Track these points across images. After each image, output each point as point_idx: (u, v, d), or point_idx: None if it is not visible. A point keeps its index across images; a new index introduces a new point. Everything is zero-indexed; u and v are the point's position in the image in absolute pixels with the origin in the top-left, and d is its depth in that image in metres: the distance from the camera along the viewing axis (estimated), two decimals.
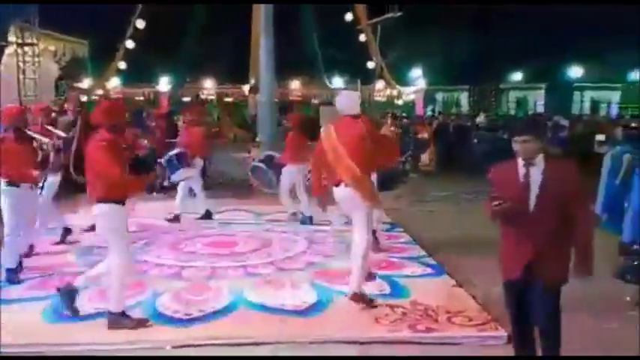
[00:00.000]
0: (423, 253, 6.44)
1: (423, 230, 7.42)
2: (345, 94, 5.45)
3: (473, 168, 14.05)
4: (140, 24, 20.87)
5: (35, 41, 15.21)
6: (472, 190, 11.04)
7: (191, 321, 4.47)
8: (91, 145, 4.33)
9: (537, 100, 28.80)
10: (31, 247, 6.20)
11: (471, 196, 10.42)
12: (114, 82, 22.41)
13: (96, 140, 4.29)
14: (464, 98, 28.66)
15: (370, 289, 5.14)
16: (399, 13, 17.65)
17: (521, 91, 29.67)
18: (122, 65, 21.81)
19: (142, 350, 4.00)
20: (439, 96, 28.41)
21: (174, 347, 4.05)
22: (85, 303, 4.71)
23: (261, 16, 17.65)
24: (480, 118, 19.65)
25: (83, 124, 6.59)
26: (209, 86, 22.89)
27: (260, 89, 18.39)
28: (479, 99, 27.51)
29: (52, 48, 17.71)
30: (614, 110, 26.92)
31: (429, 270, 5.84)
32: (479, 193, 10.60)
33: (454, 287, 5.31)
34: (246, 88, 22.36)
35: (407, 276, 5.60)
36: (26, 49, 14.65)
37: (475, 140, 15.72)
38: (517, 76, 29.71)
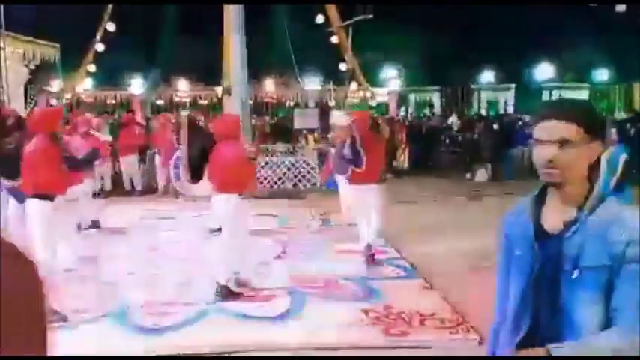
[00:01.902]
0: (396, 254, 6.49)
1: (396, 232, 7.48)
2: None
3: (444, 169, 14.29)
4: (111, 26, 20.55)
5: (2, 45, 14.87)
6: (444, 190, 11.22)
7: (161, 330, 4.43)
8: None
9: (507, 100, 29.23)
10: None
11: (442, 196, 10.57)
12: (86, 85, 22.02)
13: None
14: (436, 99, 28.93)
15: (344, 293, 5.18)
16: (370, 16, 17.72)
17: (492, 91, 30.08)
18: (92, 68, 21.43)
19: None
20: (412, 97, 28.61)
21: (145, 358, 4.01)
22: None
23: (232, 16, 17.57)
24: (452, 119, 19.89)
25: None
26: (183, 88, 22.66)
27: (233, 90, 18.33)
28: (450, 100, 27.84)
29: (20, 51, 17.33)
30: None
31: (401, 272, 5.89)
32: (450, 194, 10.82)
33: (426, 289, 5.37)
34: (219, 89, 22.18)
35: (379, 279, 5.64)
36: None
37: (447, 141, 15.91)
38: (488, 77, 30.13)
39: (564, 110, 1.54)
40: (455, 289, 5.24)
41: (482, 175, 12.81)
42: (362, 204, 6.16)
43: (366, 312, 4.73)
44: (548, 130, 1.52)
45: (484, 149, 13.04)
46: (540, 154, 1.52)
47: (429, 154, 15.09)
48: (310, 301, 5.01)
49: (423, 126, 16.45)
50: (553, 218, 1.56)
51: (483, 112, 26.13)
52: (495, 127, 14.76)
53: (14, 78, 16.18)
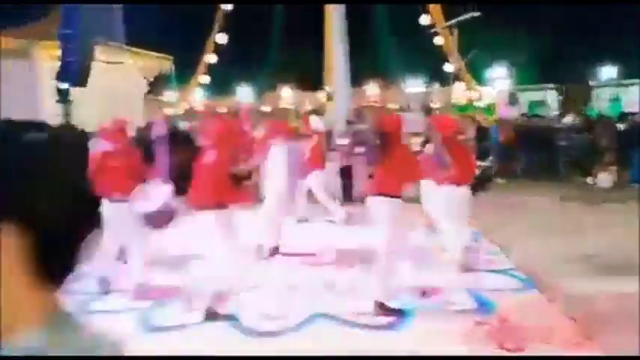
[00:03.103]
0: (511, 265, 6.12)
1: (509, 239, 7.08)
2: None
3: (560, 172, 13.38)
4: (221, 38, 21.63)
5: (123, 59, 16.05)
6: (560, 195, 10.49)
7: (272, 334, 4.47)
8: None
9: (632, 98, 26.89)
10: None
11: (559, 202, 9.90)
12: (198, 96, 23.28)
13: None
14: (551, 98, 27.28)
15: (455, 302, 4.97)
16: (477, 13, 17.10)
17: (615, 88, 27.84)
18: (204, 79, 22.65)
19: None
20: (524, 96, 27.18)
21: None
22: (170, 314, 4.85)
23: (334, 22, 17.71)
24: (569, 119, 18.63)
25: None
26: (287, 95, 23.24)
27: (336, 96, 18.47)
28: (566, 98, 26.11)
29: (139, 64, 18.63)
30: None
31: (517, 284, 5.53)
32: (567, 199, 10.09)
33: (545, 303, 5.00)
34: (322, 95, 22.50)
35: (493, 290, 5.33)
36: (115, 66, 15.48)
37: (563, 143, 14.90)
38: (609, 73, 27.93)
39: None
40: (575, 303, 4.85)
41: (604, 179, 11.86)
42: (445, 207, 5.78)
43: (478, 324, 4.48)
44: None
45: (606, 151, 12.07)
46: None
47: (544, 157, 14.23)
48: (418, 310, 4.84)
49: (537, 127, 15.52)
50: None
51: (604, 111, 24.25)
52: (619, 126, 13.63)
53: (135, 90, 17.41)
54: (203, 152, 5.00)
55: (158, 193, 5.01)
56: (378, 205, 4.86)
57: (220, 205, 4.76)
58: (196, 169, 4.93)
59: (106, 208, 5.14)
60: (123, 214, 5.10)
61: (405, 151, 5.02)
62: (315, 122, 9.30)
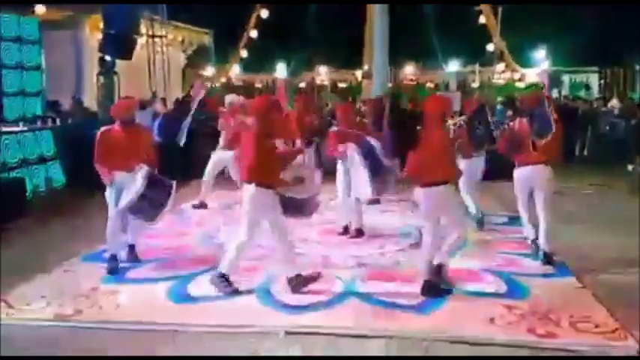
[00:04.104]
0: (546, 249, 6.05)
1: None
2: None
3: (602, 158, 13.04)
4: (264, 13, 21.68)
5: (164, 33, 16.25)
6: (599, 181, 10.26)
7: (303, 308, 4.57)
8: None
9: None
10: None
11: (597, 189, 9.68)
12: (235, 70, 23.43)
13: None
14: (594, 81, 26.43)
15: (484, 286, 4.98)
16: None
17: None
18: (244, 53, 22.76)
19: (256, 335, 4.13)
20: (566, 78, 26.40)
21: (287, 333, 4.15)
22: (205, 285, 5.00)
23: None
24: (612, 103, 18.08)
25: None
26: (323, 72, 23.17)
27: (373, 74, 18.33)
28: (610, 82, 25.25)
29: (179, 38, 18.84)
30: None
31: (550, 269, 5.49)
32: (606, 186, 9.86)
33: (579, 289, 4.96)
34: (359, 73, 22.37)
35: (526, 274, 5.31)
36: (156, 40, 15.70)
37: (607, 127, 14.50)
38: None
39: None
40: (610, 291, 4.81)
41: None
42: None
43: (509, 308, 4.49)
44: None
45: None
46: None
47: (585, 141, 13.89)
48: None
49: (579, 110, 15.10)
50: None
51: None
52: None
53: (173, 64, 17.62)
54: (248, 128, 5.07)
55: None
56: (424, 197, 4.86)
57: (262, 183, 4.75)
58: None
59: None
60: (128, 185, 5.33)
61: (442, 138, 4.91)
62: None
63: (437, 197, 4.80)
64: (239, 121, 7.67)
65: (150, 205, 5.32)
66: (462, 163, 6.02)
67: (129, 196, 5.23)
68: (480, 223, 6.96)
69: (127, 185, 5.32)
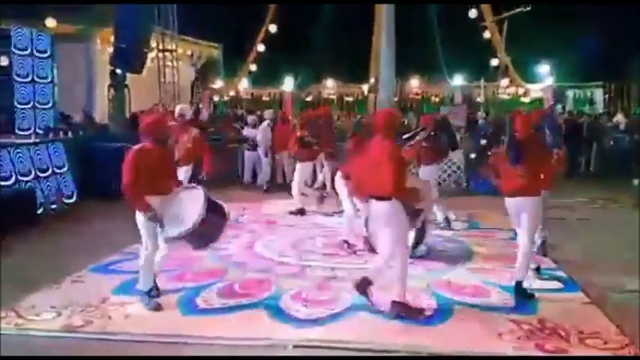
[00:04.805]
0: (553, 265, 6.08)
1: (552, 240, 7.00)
2: None
3: (608, 172, 13.04)
4: (272, 28, 21.91)
5: (174, 47, 16.43)
6: (605, 196, 10.25)
7: (312, 322, 4.59)
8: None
9: None
10: None
11: (603, 203, 9.68)
12: (244, 84, 23.62)
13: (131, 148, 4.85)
14: (598, 95, 26.46)
15: (493, 301, 4.99)
16: (528, 8, 16.70)
17: None
18: (252, 67, 22.96)
19: (264, 349, 4.16)
20: (570, 93, 26.45)
21: (295, 347, 4.17)
22: (213, 298, 5.04)
23: (383, 15, 17.65)
24: (617, 118, 18.09)
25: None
26: (330, 86, 23.30)
27: (380, 88, 18.46)
28: (615, 96, 25.28)
29: (188, 52, 19.06)
30: None
31: (558, 284, 5.50)
32: (612, 201, 9.86)
33: (587, 305, 4.96)
34: (365, 87, 22.49)
35: (534, 289, 5.30)
36: (166, 54, 15.89)
37: (611, 142, 14.51)
38: None
39: None
40: (619, 306, 4.82)
41: None
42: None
43: (517, 323, 4.50)
44: None
45: None
46: None
47: (589, 156, 13.90)
48: (457, 306, 4.89)
49: (584, 124, 15.11)
50: None
51: None
52: None
53: (183, 77, 17.80)
54: None
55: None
56: None
57: None
58: None
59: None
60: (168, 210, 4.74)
61: None
62: None
63: (375, 212, 4.68)
64: (193, 135, 7.60)
65: (208, 231, 4.74)
66: (422, 172, 7.33)
67: (183, 223, 4.58)
68: (448, 226, 7.68)
69: (166, 211, 4.70)
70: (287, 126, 11.70)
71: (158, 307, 4.85)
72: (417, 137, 7.34)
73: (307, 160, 8.87)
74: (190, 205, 4.67)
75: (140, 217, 4.78)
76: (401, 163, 4.63)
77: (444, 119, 7.19)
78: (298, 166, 8.93)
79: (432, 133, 7.46)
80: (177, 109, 8.13)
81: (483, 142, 12.38)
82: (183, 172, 7.01)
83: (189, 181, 6.81)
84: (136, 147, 4.86)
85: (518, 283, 5.05)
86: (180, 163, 7.00)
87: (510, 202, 5.15)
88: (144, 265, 4.92)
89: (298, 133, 8.73)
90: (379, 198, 4.58)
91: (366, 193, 4.81)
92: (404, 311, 4.62)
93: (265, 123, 11.68)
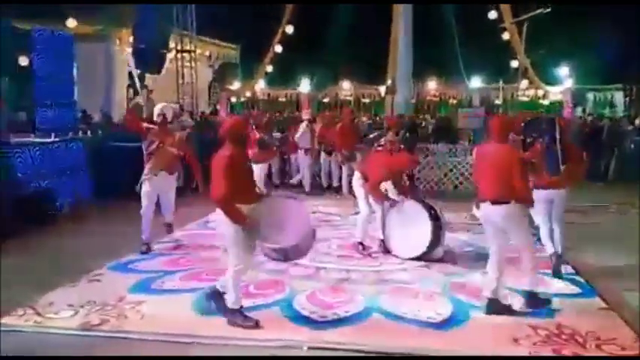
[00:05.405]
0: (570, 270, 6.00)
1: (569, 245, 6.91)
2: None
3: (628, 176, 12.83)
4: (289, 29, 21.94)
5: (192, 47, 16.56)
6: (623, 201, 10.09)
7: (326, 324, 4.59)
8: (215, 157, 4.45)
9: None
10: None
11: (621, 208, 9.53)
12: (260, 85, 23.70)
13: (218, 154, 4.45)
14: (618, 98, 26.09)
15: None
16: (548, 9, 16.50)
17: None
18: (269, 68, 23.02)
19: (278, 349, 4.17)
20: (590, 96, 26.12)
21: (310, 348, 4.18)
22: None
23: (401, 15, 17.57)
24: (639, 121, 17.81)
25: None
26: (347, 87, 23.29)
27: (397, 89, 18.37)
28: (636, 99, 24.91)
29: (206, 53, 19.21)
30: None
31: (576, 289, 5.43)
32: (630, 206, 9.70)
33: (605, 311, 4.90)
34: (382, 88, 22.45)
35: (551, 294, 5.25)
36: (184, 55, 16.02)
37: (632, 146, 14.29)
38: None
39: None
40: (636, 312, 4.75)
41: None
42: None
43: (534, 328, 4.45)
44: None
45: None
46: None
47: (610, 159, 13.69)
48: (473, 310, 4.85)
49: (604, 128, 14.90)
50: None
51: None
52: None
53: (200, 77, 17.94)
54: None
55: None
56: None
57: None
58: None
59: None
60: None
61: None
62: None
63: (491, 216, 4.79)
64: (177, 138, 6.85)
65: (306, 243, 4.58)
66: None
67: (284, 233, 4.38)
68: None
69: (262, 221, 4.41)
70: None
71: (258, 323, 4.51)
72: (383, 138, 7.17)
73: (262, 161, 8.29)
74: (293, 215, 4.50)
75: (230, 230, 4.38)
76: (524, 167, 4.74)
77: (411, 119, 7.36)
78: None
79: (398, 133, 7.61)
80: (157, 108, 6.84)
81: None
82: (171, 180, 6.70)
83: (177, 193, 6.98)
84: (225, 153, 4.41)
85: (531, 293, 4.96)
86: (163, 170, 6.54)
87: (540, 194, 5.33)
88: (234, 282, 4.50)
89: (257, 135, 8.44)
90: (495, 202, 4.66)
91: (483, 198, 4.79)
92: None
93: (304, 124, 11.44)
